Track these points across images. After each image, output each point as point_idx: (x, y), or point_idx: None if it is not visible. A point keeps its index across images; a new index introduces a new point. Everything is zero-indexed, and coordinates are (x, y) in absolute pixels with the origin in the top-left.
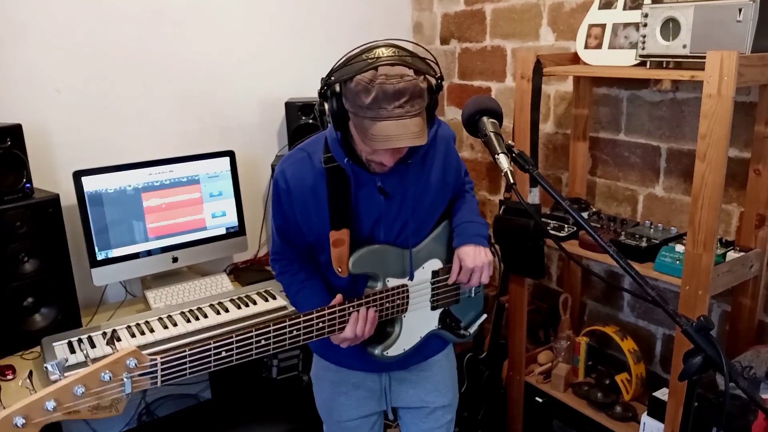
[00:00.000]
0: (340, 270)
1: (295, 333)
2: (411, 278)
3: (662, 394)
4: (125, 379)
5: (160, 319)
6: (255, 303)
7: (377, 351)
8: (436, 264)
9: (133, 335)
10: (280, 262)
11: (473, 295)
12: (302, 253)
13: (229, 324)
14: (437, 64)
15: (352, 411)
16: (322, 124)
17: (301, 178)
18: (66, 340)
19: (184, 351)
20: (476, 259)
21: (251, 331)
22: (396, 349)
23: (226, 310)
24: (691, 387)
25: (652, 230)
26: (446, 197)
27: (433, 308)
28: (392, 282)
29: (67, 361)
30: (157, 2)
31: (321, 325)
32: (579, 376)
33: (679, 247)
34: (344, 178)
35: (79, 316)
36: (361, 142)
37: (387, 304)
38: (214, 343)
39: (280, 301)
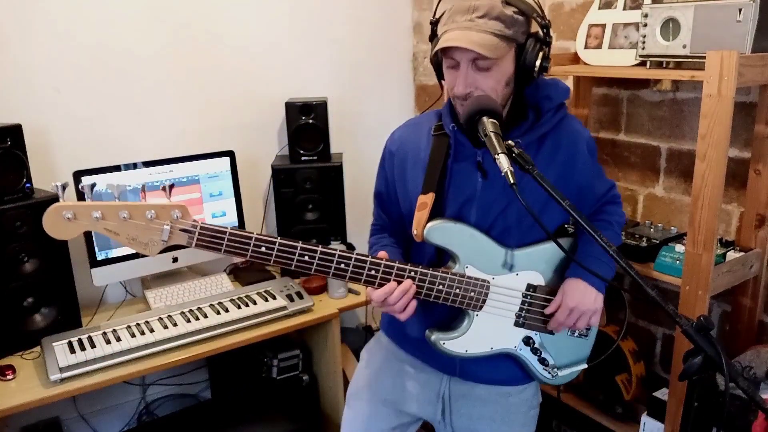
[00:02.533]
0: (415, 233)
1: (344, 266)
2: (505, 260)
3: (662, 394)
4: (165, 226)
5: (160, 319)
6: (255, 303)
7: (434, 337)
8: (535, 278)
9: (133, 335)
10: (374, 226)
11: (576, 335)
12: (396, 224)
13: (229, 324)
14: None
15: (398, 393)
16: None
17: (408, 140)
18: (66, 340)
19: (226, 229)
20: (581, 300)
21: (298, 243)
22: (456, 346)
23: (226, 310)
24: (691, 387)
25: (652, 230)
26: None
27: (518, 324)
28: (472, 271)
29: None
30: (156, 3)
31: (373, 272)
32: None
33: (679, 247)
34: (446, 147)
35: (79, 316)
36: (445, 76)
37: (459, 291)
38: (258, 235)
39: (280, 301)
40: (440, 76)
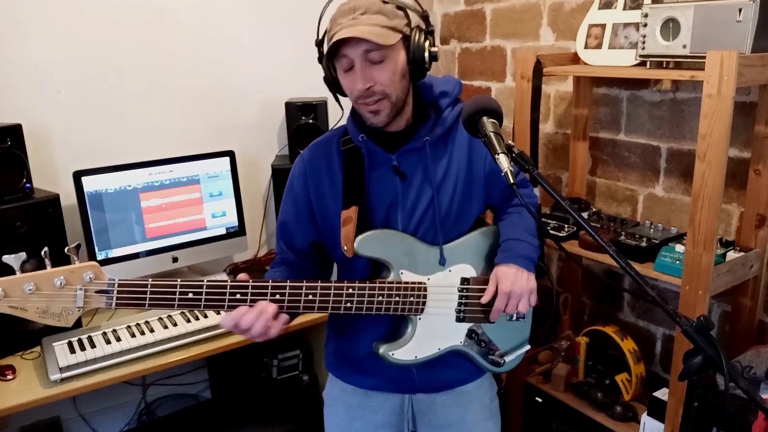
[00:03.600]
0: (346, 248)
1: (278, 297)
2: (443, 260)
3: (662, 394)
4: (78, 291)
5: (160, 319)
6: None
7: (382, 349)
8: (467, 271)
9: (133, 335)
10: (275, 261)
11: (515, 318)
12: (300, 258)
13: None
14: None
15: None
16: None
17: (318, 159)
18: (66, 340)
19: (147, 281)
20: (515, 283)
21: (227, 282)
22: (405, 354)
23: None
24: (691, 387)
25: (652, 230)
26: (478, 193)
27: (459, 320)
28: (407, 276)
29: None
30: (157, 3)
31: (311, 297)
32: (579, 376)
33: (679, 247)
34: (359, 158)
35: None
36: (343, 82)
37: (398, 299)
38: (182, 281)
39: None
40: (337, 91)
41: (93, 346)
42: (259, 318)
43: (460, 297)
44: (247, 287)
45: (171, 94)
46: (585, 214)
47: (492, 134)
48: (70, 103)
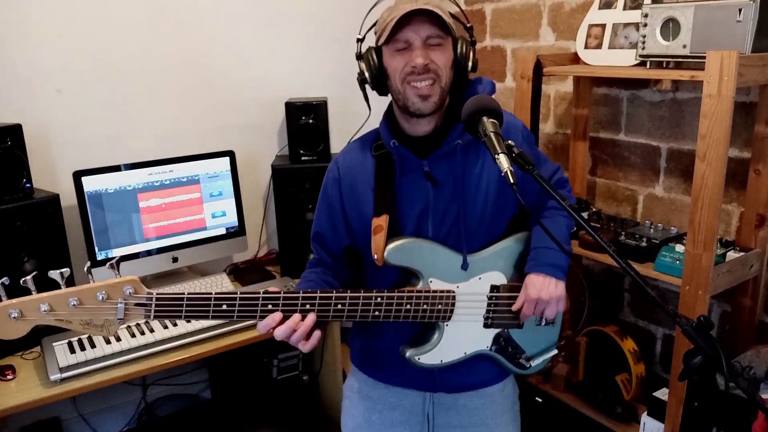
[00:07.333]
0: (376, 257)
1: (309, 307)
2: (464, 266)
3: (662, 394)
4: (119, 304)
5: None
6: None
7: (408, 353)
8: (497, 278)
9: (133, 335)
10: (311, 260)
11: (544, 324)
12: (336, 260)
13: (229, 324)
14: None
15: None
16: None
17: (352, 164)
18: (66, 340)
19: (183, 294)
20: (542, 290)
21: (258, 293)
22: (431, 358)
23: None
24: (691, 387)
25: (652, 230)
26: (511, 198)
27: (487, 326)
28: (436, 284)
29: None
30: (157, 3)
31: (339, 306)
32: (579, 376)
33: (679, 247)
34: (391, 164)
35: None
36: (392, 64)
37: (426, 307)
38: (216, 294)
39: None
40: (375, 85)
41: (93, 346)
42: (296, 331)
43: (489, 304)
44: (278, 298)
45: (171, 94)
46: (585, 214)
47: (492, 134)
48: (70, 103)
